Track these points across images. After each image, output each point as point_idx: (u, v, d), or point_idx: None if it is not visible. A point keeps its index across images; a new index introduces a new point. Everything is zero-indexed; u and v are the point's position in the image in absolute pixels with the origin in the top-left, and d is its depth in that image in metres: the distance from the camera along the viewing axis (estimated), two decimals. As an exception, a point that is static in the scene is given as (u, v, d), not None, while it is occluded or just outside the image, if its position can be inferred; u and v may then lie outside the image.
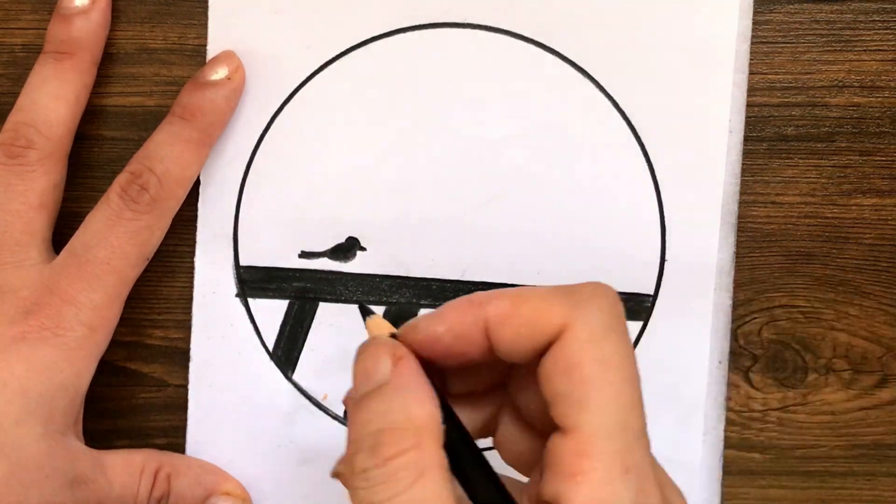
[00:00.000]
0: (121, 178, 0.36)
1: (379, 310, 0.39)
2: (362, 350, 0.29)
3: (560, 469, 0.26)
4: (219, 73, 0.37)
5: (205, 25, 0.38)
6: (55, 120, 0.36)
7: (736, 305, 0.39)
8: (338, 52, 0.38)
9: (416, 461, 0.26)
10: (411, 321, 0.29)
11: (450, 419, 0.28)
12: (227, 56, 0.37)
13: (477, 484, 0.28)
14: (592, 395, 0.26)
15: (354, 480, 0.27)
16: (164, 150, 0.36)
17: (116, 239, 0.35)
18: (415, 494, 0.26)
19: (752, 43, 0.38)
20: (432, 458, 0.27)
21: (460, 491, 0.28)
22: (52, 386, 0.34)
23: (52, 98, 0.36)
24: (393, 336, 0.29)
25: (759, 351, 0.40)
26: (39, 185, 0.36)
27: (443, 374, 0.30)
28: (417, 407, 0.27)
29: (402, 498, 0.26)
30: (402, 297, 0.39)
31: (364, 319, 0.30)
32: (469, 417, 0.30)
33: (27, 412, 0.34)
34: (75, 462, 0.35)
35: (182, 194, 0.37)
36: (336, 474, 0.29)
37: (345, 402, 0.29)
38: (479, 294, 0.28)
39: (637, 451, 0.27)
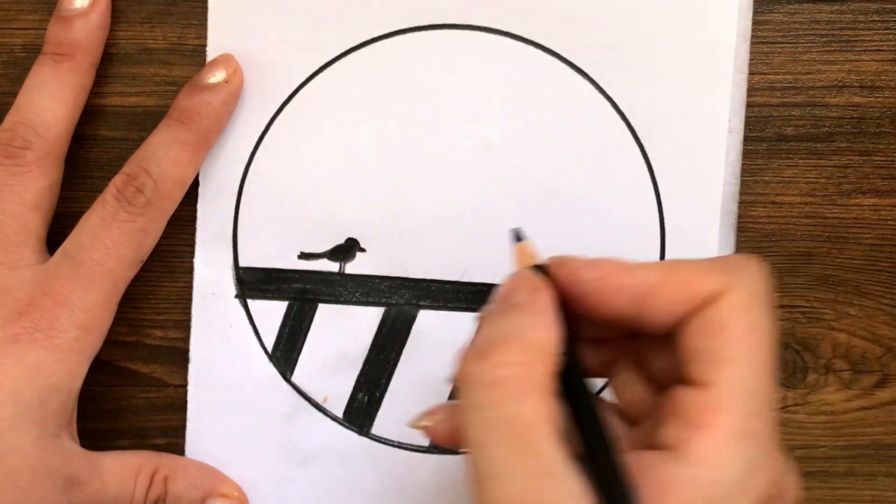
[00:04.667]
0: (116, 180, 0.36)
1: (378, 311, 0.39)
2: (505, 279, 0.30)
3: (687, 419, 0.27)
4: (216, 77, 0.37)
5: (204, 26, 0.38)
6: (53, 121, 0.36)
7: (736, 306, 0.39)
8: (337, 54, 0.38)
9: (522, 378, 0.27)
10: (562, 256, 0.30)
11: (571, 354, 0.29)
12: (225, 59, 0.37)
13: (584, 420, 0.28)
14: (734, 355, 0.27)
15: (461, 384, 0.27)
16: (161, 153, 0.36)
17: (111, 240, 0.35)
18: (515, 410, 0.26)
19: (752, 43, 0.38)
20: (540, 381, 0.27)
21: (562, 425, 0.28)
22: (44, 388, 0.34)
23: (50, 99, 0.36)
24: (539, 267, 0.30)
25: (759, 351, 0.40)
26: (35, 185, 0.36)
27: (577, 316, 0.30)
28: (536, 330, 0.28)
29: (503, 411, 0.26)
30: (401, 298, 0.39)
31: (514, 244, 0.31)
32: (589, 358, 0.32)
33: (20, 415, 0.34)
34: (69, 464, 0.35)
35: (177, 197, 0.37)
36: (451, 380, 0.29)
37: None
38: (628, 261, 0.30)
39: (763, 417, 0.27)
